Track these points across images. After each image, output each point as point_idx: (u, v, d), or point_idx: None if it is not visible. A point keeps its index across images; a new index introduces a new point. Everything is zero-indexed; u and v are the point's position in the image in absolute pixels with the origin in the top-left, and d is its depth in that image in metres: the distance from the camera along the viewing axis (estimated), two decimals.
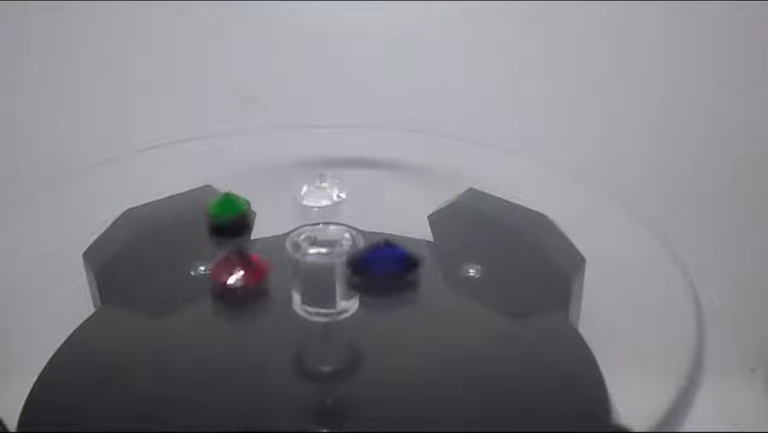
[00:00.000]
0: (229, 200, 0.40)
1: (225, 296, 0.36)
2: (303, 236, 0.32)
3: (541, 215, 0.40)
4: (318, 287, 0.31)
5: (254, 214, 0.41)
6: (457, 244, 0.40)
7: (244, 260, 0.36)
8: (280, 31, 0.50)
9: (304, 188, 0.40)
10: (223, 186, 0.42)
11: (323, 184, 0.40)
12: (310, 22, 0.49)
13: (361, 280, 0.34)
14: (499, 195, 0.41)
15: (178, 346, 0.34)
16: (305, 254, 0.31)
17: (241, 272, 0.35)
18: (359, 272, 0.34)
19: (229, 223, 0.39)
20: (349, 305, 0.32)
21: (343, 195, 0.41)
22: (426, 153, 0.44)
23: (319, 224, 0.33)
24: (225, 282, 0.35)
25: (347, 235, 0.32)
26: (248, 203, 0.40)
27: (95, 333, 0.35)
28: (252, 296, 0.36)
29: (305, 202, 0.40)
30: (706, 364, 0.29)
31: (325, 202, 0.40)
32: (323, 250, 0.31)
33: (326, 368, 0.32)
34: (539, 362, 0.33)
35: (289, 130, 0.45)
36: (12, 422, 0.29)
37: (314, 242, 0.32)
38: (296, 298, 0.32)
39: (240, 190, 0.41)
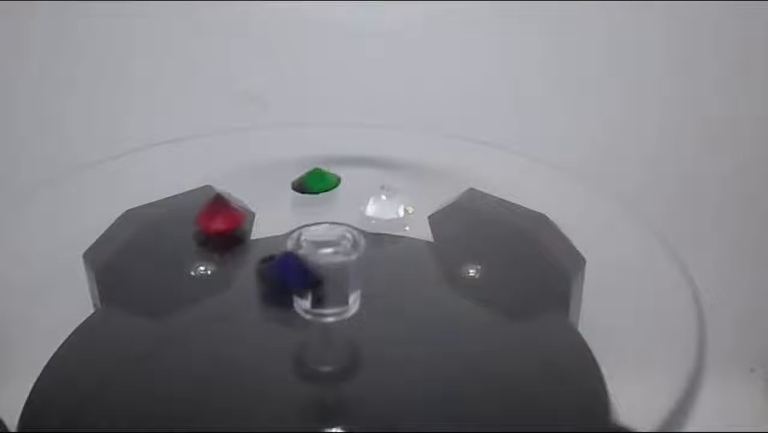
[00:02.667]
0: (319, 174, 0.41)
1: (209, 243, 0.38)
2: (303, 237, 0.32)
3: (541, 215, 0.40)
4: (318, 287, 0.31)
5: (253, 214, 0.41)
6: (457, 244, 0.40)
7: (224, 207, 0.38)
8: (280, 31, 0.50)
9: (370, 202, 0.40)
10: (222, 186, 0.42)
11: (384, 197, 0.40)
12: (311, 21, 0.49)
13: (267, 289, 0.35)
14: (499, 195, 0.41)
15: (178, 346, 0.34)
16: (305, 253, 0.31)
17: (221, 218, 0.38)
18: (263, 281, 0.35)
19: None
20: (349, 306, 0.32)
21: (410, 210, 0.41)
22: (426, 153, 0.44)
23: (319, 224, 0.33)
24: (208, 227, 0.38)
25: (348, 235, 0.32)
26: (339, 180, 0.42)
27: (95, 333, 0.35)
28: (252, 296, 0.37)
29: (370, 214, 0.40)
30: (706, 364, 0.29)
31: (391, 216, 0.40)
32: (324, 250, 0.31)
33: (327, 369, 0.32)
34: (539, 362, 0.33)
35: (289, 129, 0.45)
36: (12, 422, 0.29)
37: (315, 242, 0.32)
38: (296, 298, 0.32)
39: (240, 190, 0.41)
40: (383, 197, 0.40)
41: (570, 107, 0.52)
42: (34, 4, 0.48)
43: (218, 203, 0.39)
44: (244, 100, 0.51)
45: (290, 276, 0.32)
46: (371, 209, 0.40)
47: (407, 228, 0.41)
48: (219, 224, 0.38)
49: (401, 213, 0.40)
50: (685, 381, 0.28)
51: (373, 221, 0.40)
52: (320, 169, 0.42)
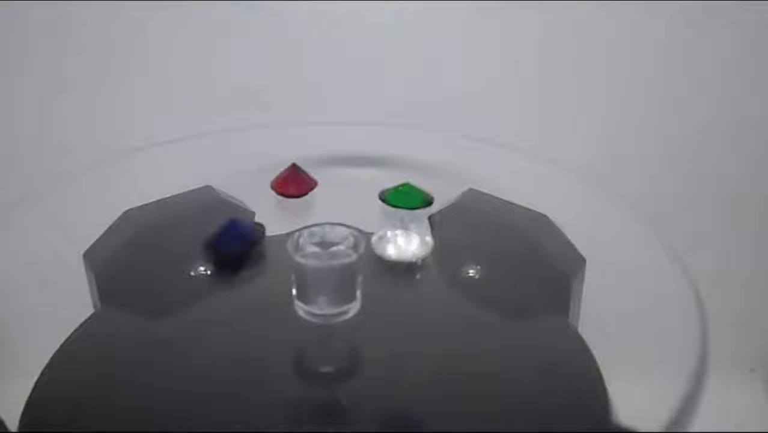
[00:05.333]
0: (405, 191, 0.39)
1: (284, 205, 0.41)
2: (304, 237, 0.32)
3: (541, 215, 0.40)
4: (319, 288, 0.31)
5: (254, 213, 0.41)
6: (457, 244, 0.40)
7: (298, 175, 0.41)
8: (280, 31, 0.50)
9: (389, 242, 0.37)
10: (222, 186, 0.42)
11: (398, 231, 0.37)
12: (310, 21, 0.49)
13: (215, 258, 0.37)
14: (499, 195, 0.41)
15: (177, 346, 0.34)
16: (306, 254, 0.31)
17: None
18: (211, 251, 0.37)
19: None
20: (349, 306, 0.32)
21: (428, 239, 0.38)
22: (426, 153, 0.44)
23: (319, 224, 0.33)
24: (284, 192, 0.41)
25: (349, 236, 0.32)
26: (429, 200, 0.39)
27: (95, 334, 0.35)
28: (253, 296, 0.37)
29: (390, 256, 0.37)
30: (708, 364, 0.29)
31: (411, 253, 0.37)
32: (324, 251, 0.31)
33: (327, 369, 0.32)
34: (539, 363, 0.33)
35: (289, 128, 0.45)
36: (12, 422, 0.29)
37: (315, 243, 0.32)
38: (296, 299, 0.32)
39: (240, 190, 0.41)
40: (400, 235, 0.38)
41: (571, 107, 0.52)
42: (33, 4, 0.48)
43: (294, 171, 0.41)
44: (244, 100, 0.51)
45: (232, 240, 0.37)
46: (391, 250, 0.38)
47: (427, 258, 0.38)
48: (295, 189, 0.41)
49: (423, 247, 0.38)
50: (686, 382, 0.28)
51: (395, 261, 0.38)
52: (409, 186, 0.40)
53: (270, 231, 0.40)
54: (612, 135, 0.52)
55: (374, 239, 0.38)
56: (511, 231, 0.40)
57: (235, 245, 0.38)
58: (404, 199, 0.39)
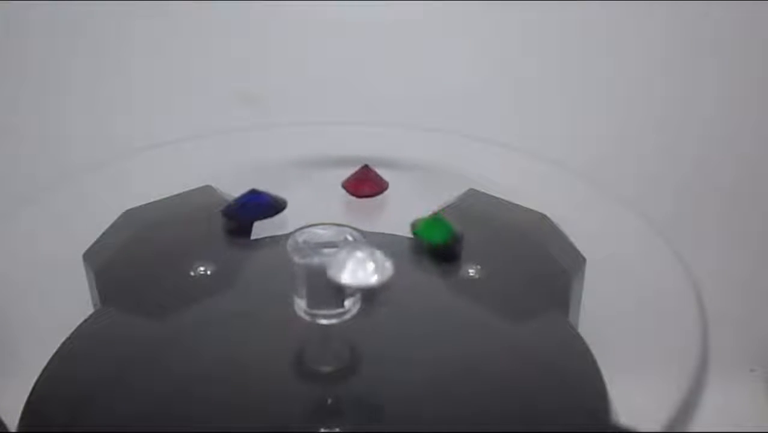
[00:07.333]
0: (433, 224, 0.38)
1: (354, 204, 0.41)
2: (303, 237, 0.32)
3: (541, 215, 0.40)
4: (318, 289, 0.31)
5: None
6: (457, 244, 0.40)
7: (369, 176, 0.42)
8: (280, 31, 0.50)
9: (344, 268, 0.30)
10: (223, 186, 0.42)
11: (358, 254, 0.30)
12: (310, 21, 0.49)
13: (233, 226, 0.39)
14: (499, 195, 0.41)
15: (177, 347, 0.34)
16: (305, 255, 0.31)
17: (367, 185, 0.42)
18: (231, 219, 0.39)
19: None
20: (349, 307, 0.32)
21: (388, 264, 0.30)
22: (427, 153, 0.44)
23: (319, 225, 0.33)
24: (355, 192, 0.41)
25: (348, 236, 0.32)
26: (453, 238, 0.38)
27: (95, 334, 0.35)
28: (253, 296, 0.37)
29: (348, 282, 0.30)
30: (709, 364, 0.29)
31: (375, 278, 0.30)
32: (324, 251, 0.31)
33: (326, 369, 0.32)
34: (539, 363, 0.33)
35: (289, 129, 0.45)
36: (12, 422, 0.29)
37: (315, 243, 0.32)
38: (296, 299, 0.32)
39: (240, 190, 0.41)
40: (354, 257, 0.30)
41: (571, 107, 0.52)
42: (33, 4, 0.48)
43: (366, 172, 0.42)
44: (243, 100, 0.51)
45: (254, 210, 0.39)
46: (347, 276, 0.30)
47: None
48: (367, 189, 0.42)
49: (380, 273, 0.30)
50: (686, 382, 0.28)
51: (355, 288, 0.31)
52: (438, 219, 0.39)
53: (269, 231, 0.40)
54: (612, 135, 0.52)
55: (330, 260, 0.31)
56: (511, 231, 0.40)
57: (255, 213, 0.39)
58: (432, 232, 0.38)
